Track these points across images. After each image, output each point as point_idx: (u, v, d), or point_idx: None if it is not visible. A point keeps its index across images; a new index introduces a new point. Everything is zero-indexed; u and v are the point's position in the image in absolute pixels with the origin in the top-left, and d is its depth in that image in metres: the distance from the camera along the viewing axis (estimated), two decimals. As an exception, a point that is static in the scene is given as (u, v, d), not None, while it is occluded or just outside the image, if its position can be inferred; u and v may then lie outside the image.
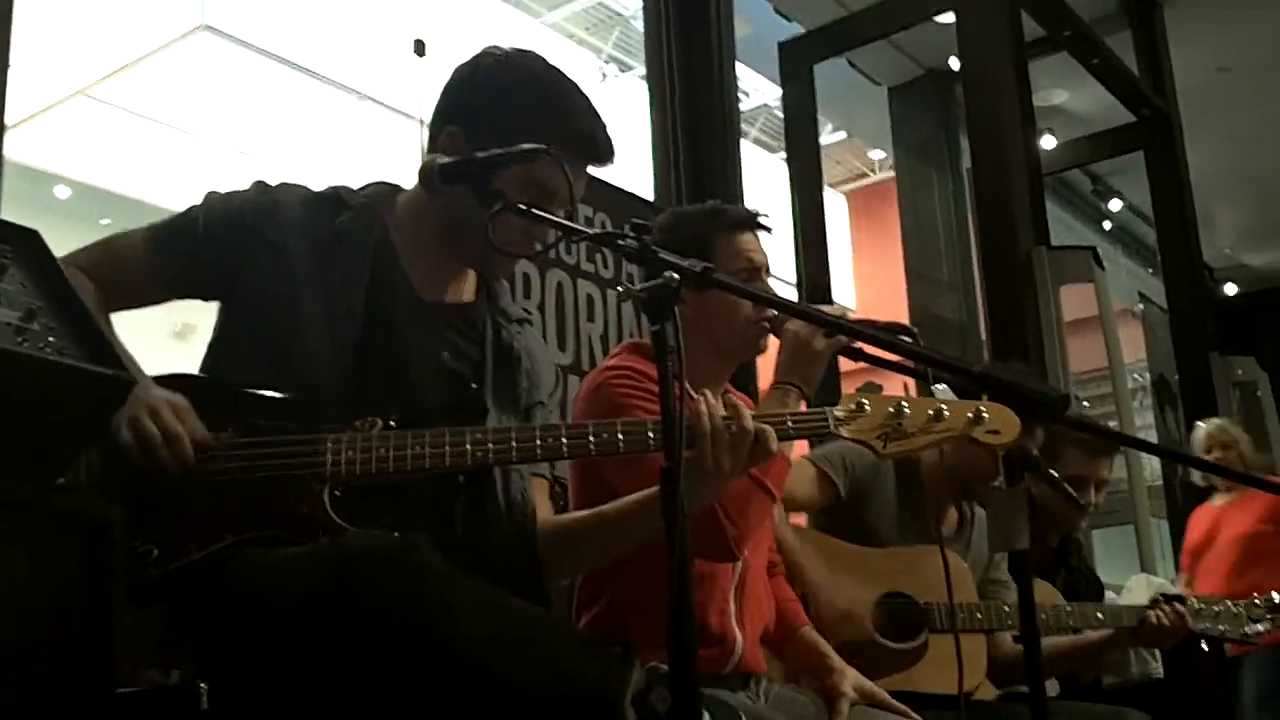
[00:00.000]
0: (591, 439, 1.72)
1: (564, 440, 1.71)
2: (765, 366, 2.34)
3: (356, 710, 1.52)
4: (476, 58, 1.96)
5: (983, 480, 2.86)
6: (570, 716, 1.42)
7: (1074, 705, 2.92)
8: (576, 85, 1.94)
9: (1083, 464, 3.27)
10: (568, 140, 1.85)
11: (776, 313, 2.20)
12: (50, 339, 1.37)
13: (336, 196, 1.92)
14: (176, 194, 1.93)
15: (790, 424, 1.77)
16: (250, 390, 1.76)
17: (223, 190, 1.90)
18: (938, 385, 1.80)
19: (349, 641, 1.41)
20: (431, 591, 1.42)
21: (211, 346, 1.89)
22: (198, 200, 1.90)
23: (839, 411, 1.77)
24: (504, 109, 1.88)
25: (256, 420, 1.72)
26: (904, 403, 1.76)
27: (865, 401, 1.76)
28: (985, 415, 1.74)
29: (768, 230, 2.38)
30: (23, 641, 1.29)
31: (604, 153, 1.92)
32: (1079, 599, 3.35)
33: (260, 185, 1.91)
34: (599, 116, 1.92)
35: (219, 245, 1.84)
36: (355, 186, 1.97)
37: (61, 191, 7.36)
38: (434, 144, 1.92)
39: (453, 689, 1.41)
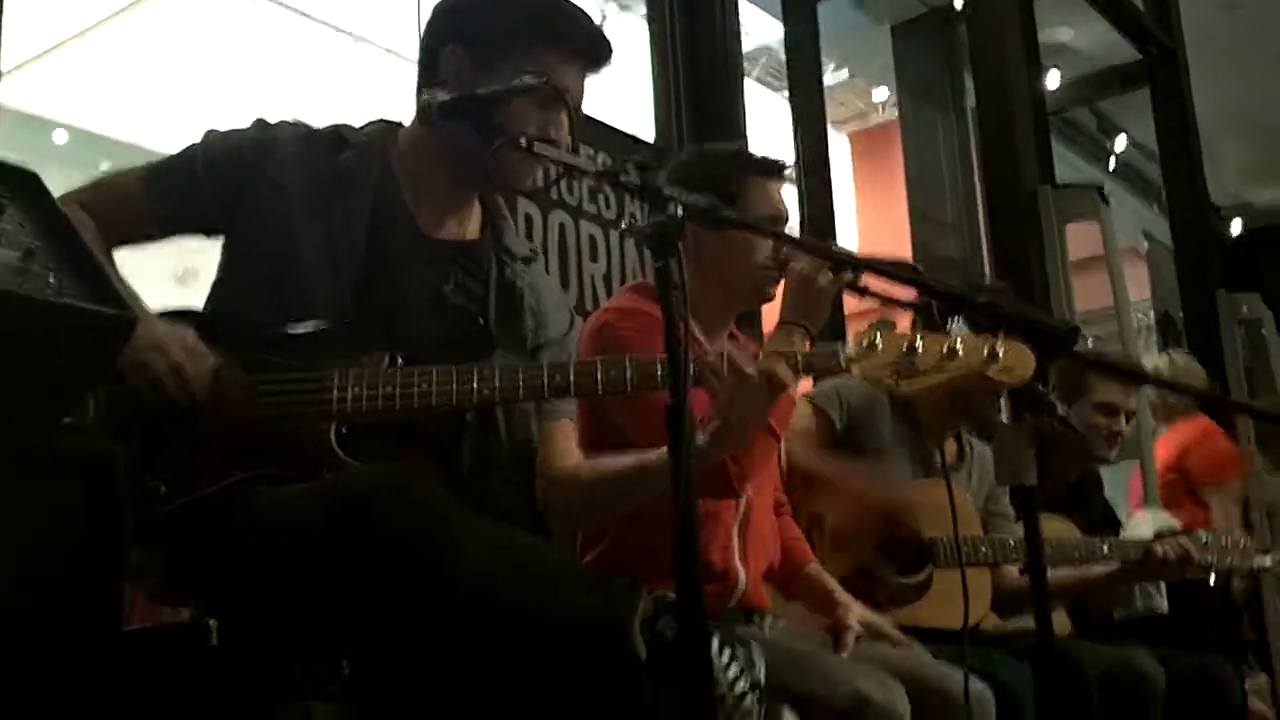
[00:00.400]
0: (599, 376, 1.71)
1: (572, 378, 1.71)
2: (770, 310, 2.33)
3: (363, 645, 1.53)
4: None
5: (984, 400, 2.86)
6: (579, 645, 1.43)
7: (1080, 644, 2.93)
8: None
9: (1113, 393, 3.28)
10: (567, 40, 1.87)
11: (785, 252, 2.20)
12: (50, 279, 1.36)
13: (338, 134, 1.92)
14: (175, 138, 1.92)
15: (801, 361, 1.76)
16: (256, 327, 1.76)
17: (222, 129, 1.89)
18: (952, 324, 1.78)
19: (355, 577, 1.41)
20: (436, 526, 1.43)
21: (215, 286, 1.89)
22: (197, 141, 1.89)
23: (850, 349, 1.76)
24: (498, 18, 1.88)
25: (263, 357, 1.72)
26: (917, 340, 1.74)
27: (877, 339, 1.74)
28: (1000, 352, 1.72)
29: (792, 182, 2.37)
30: (29, 581, 1.30)
31: (603, 51, 1.92)
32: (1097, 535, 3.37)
33: (260, 123, 1.90)
34: (590, 17, 1.93)
35: (218, 183, 1.84)
36: (356, 125, 1.96)
37: (59, 137, 7.31)
38: (432, 69, 1.91)
39: (459, 623, 1.42)
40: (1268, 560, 3.02)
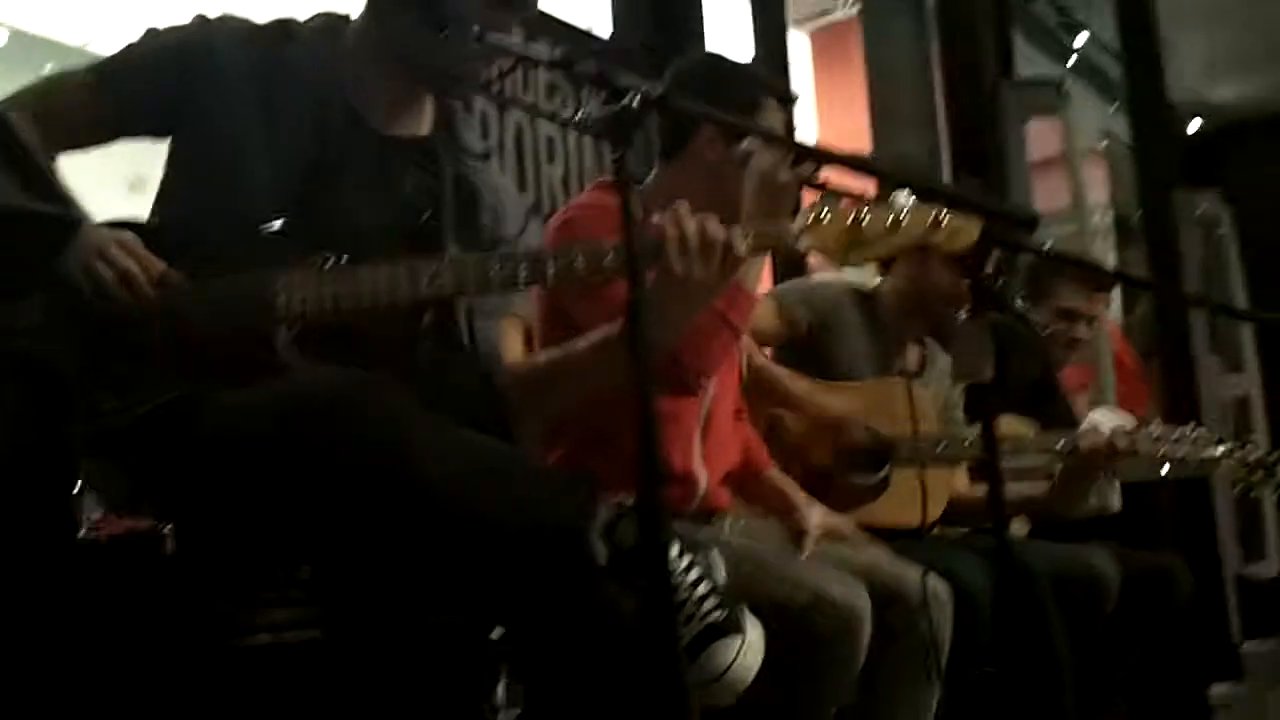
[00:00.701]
0: (550, 264, 1.69)
1: (521, 268, 1.68)
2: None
3: (323, 549, 1.52)
4: None
5: (944, 303, 2.86)
6: (537, 548, 1.42)
7: (1034, 544, 2.97)
8: None
9: (1076, 298, 3.27)
10: None
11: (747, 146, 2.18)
12: (-13, 178, 1.32)
13: (282, 28, 1.86)
14: (119, 40, 1.87)
15: (752, 237, 1.75)
16: (202, 232, 1.72)
17: (164, 26, 1.84)
18: (901, 192, 1.78)
19: (312, 480, 1.40)
20: (392, 426, 1.41)
21: (161, 190, 1.85)
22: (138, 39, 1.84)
23: (799, 222, 1.76)
24: None
25: (209, 263, 1.68)
26: (864, 210, 1.75)
27: (825, 211, 1.75)
28: (945, 219, 1.74)
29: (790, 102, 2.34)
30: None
31: None
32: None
33: (202, 19, 1.84)
34: None
35: (163, 82, 1.79)
36: (302, 18, 1.90)
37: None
38: None
39: (415, 524, 1.41)
40: (1218, 451, 3.01)
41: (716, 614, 1.57)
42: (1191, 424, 3.05)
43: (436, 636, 1.63)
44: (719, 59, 2.42)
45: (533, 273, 1.69)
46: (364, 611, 1.60)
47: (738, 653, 1.55)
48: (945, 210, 1.73)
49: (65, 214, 1.40)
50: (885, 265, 3.03)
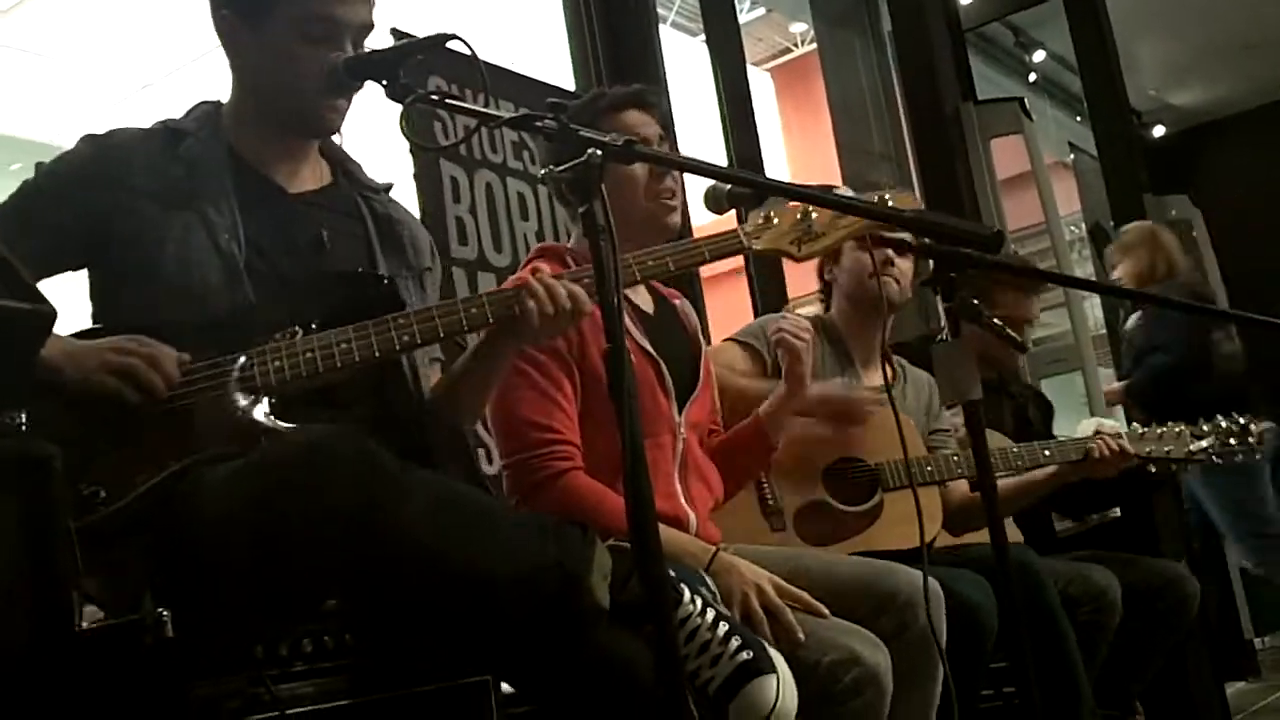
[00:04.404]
0: (516, 302, 1.73)
1: (488, 306, 1.72)
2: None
3: (322, 615, 1.52)
4: None
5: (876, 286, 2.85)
6: (537, 597, 1.43)
7: (1035, 554, 2.96)
8: None
9: (1016, 305, 3.30)
10: None
11: (674, 181, 2.22)
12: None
13: (169, 129, 1.90)
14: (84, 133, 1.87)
15: (706, 249, 1.78)
16: (168, 330, 1.72)
17: (52, 158, 1.86)
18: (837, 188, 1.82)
19: (303, 542, 1.39)
20: (379, 480, 1.41)
21: (98, 304, 1.86)
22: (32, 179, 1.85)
23: (748, 227, 1.81)
24: None
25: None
26: (809, 207, 1.80)
27: (772, 213, 1.80)
28: (889, 201, 1.79)
29: (651, 103, 2.35)
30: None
31: None
32: (1027, 421, 3.39)
33: (90, 137, 1.88)
34: None
35: (71, 210, 1.80)
36: (177, 115, 1.94)
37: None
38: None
39: (412, 583, 1.41)
40: (1204, 444, 3.03)
41: (744, 654, 1.57)
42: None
43: (446, 695, 1.63)
44: (579, 100, 2.47)
45: (498, 309, 1.73)
46: (372, 675, 1.60)
47: (778, 691, 1.55)
48: (887, 195, 1.78)
49: (39, 308, 1.39)
50: (827, 290, 3.07)
